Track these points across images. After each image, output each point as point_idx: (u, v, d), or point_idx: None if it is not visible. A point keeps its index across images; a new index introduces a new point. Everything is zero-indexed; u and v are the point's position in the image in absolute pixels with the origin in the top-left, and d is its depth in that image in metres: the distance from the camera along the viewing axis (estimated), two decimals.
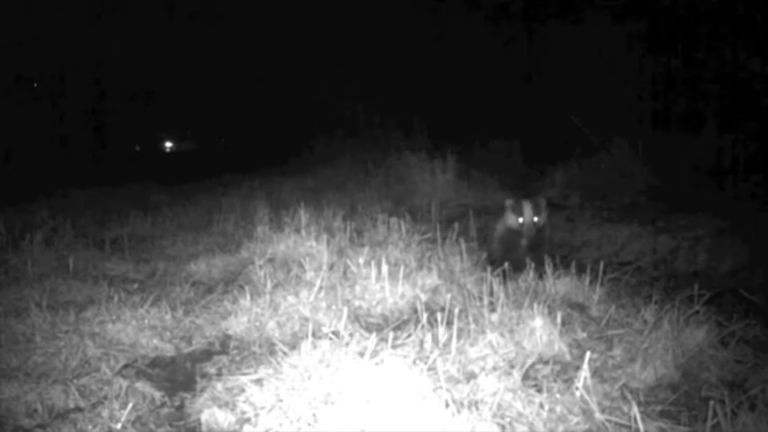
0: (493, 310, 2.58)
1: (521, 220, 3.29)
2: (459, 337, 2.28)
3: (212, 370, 2.39)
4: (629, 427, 1.78)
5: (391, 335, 2.25)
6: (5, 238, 4.09)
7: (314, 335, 2.30)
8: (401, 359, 2.05)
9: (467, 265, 3.42)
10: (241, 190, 7.22)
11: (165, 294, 3.16)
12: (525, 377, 2.05)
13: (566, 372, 2.15)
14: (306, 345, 2.20)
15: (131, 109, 13.70)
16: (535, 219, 3.28)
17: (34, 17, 10.53)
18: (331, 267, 3.30)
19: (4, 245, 4.01)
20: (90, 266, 3.77)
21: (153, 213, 5.52)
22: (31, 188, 7.28)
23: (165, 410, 2.10)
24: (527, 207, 3.29)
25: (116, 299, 2.91)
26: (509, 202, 3.38)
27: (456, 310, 2.31)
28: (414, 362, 2.07)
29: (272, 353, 2.35)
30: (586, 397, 1.87)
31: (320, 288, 2.91)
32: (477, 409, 1.85)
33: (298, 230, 4.04)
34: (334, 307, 2.82)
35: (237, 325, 2.72)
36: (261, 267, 3.37)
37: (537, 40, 7.95)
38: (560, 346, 2.31)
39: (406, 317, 2.79)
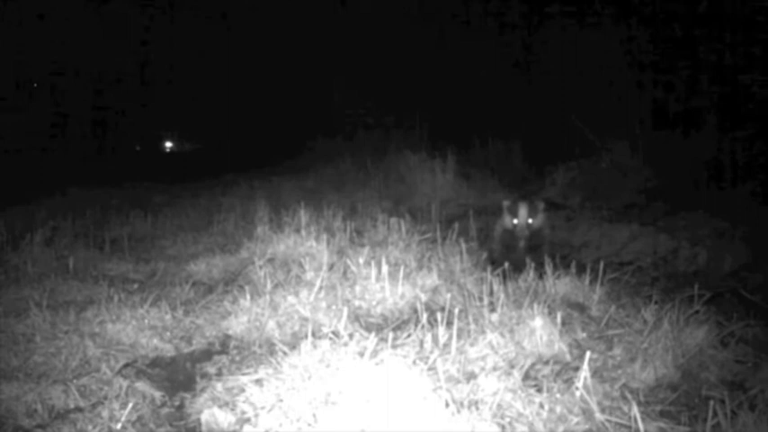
0: (493, 310, 2.57)
1: (515, 221, 3.32)
2: (459, 337, 2.28)
3: (212, 370, 2.39)
4: (629, 427, 1.78)
5: (391, 335, 2.25)
6: (5, 238, 4.08)
7: (314, 335, 2.30)
8: (401, 359, 2.05)
9: (467, 265, 3.42)
10: (241, 190, 7.21)
11: (165, 294, 3.16)
12: (525, 377, 2.05)
13: (566, 372, 2.15)
14: (306, 345, 2.20)
15: (131, 109, 13.70)
16: (530, 220, 3.30)
17: (34, 16, 10.54)
18: (331, 267, 3.29)
19: (4, 245, 4.01)
20: (90, 266, 3.77)
21: (153, 213, 5.52)
22: (31, 188, 7.27)
23: (165, 410, 2.10)
24: (522, 208, 3.32)
25: (116, 299, 2.91)
26: (506, 203, 3.42)
27: (456, 310, 2.31)
28: (414, 362, 2.07)
29: (272, 353, 2.35)
30: (586, 397, 1.87)
31: (320, 288, 2.91)
32: (477, 409, 1.85)
33: (298, 230, 4.03)
34: (334, 307, 2.82)
35: (237, 325, 2.72)
36: (261, 267, 3.36)
37: (537, 39, 7.96)
38: (560, 346, 2.31)
39: (406, 317, 2.79)
